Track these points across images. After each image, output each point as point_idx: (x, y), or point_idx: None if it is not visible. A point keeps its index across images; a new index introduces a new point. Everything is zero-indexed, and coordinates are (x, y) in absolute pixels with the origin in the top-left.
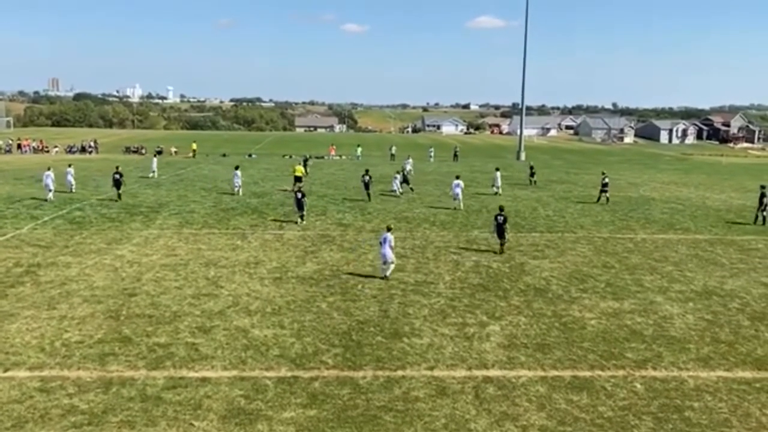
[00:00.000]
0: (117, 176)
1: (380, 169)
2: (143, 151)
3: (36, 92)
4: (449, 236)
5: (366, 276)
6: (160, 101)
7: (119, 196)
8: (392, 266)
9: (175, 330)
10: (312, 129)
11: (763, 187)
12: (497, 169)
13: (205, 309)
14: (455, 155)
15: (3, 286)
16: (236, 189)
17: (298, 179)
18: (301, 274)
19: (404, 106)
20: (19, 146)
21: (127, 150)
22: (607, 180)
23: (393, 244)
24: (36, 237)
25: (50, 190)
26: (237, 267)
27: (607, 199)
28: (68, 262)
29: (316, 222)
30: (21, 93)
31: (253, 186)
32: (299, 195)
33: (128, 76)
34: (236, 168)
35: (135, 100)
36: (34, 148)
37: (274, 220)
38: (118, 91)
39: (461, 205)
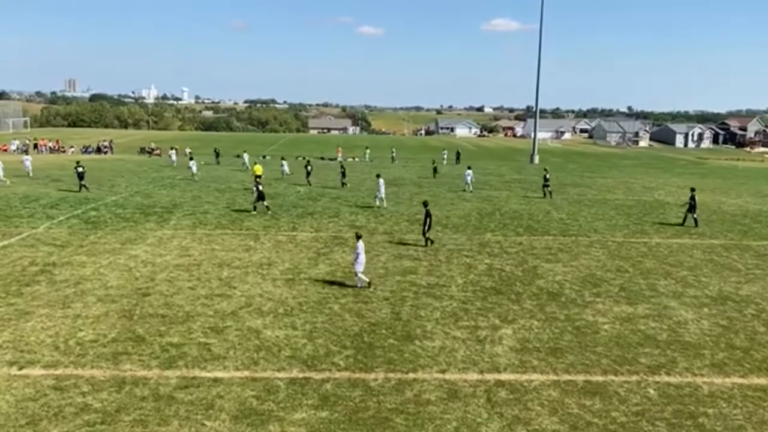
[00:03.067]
0: (80, 170)
1: (392, 171)
2: (158, 152)
3: (53, 93)
4: (462, 239)
5: (379, 278)
6: (174, 102)
7: (82, 187)
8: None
9: (188, 330)
10: (325, 131)
11: None
12: (469, 168)
13: (218, 309)
14: (457, 157)
15: (19, 285)
16: (284, 173)
17: (258, 177)
18: (313, 276)
19: (418, 109)
20: (35, 146)
21: (142, 150)
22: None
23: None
24: (52, 236)
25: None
26: (250, 268)
27: (551, 194)
28: (83, 261)
29: (329, 224)
30: (38, 93)
31: (266, 187)
32: (260, 187)
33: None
34: (282, 159)
35: (150, 101)
36: (50, 148)
37: (291, 222)
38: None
39: (470, 188)
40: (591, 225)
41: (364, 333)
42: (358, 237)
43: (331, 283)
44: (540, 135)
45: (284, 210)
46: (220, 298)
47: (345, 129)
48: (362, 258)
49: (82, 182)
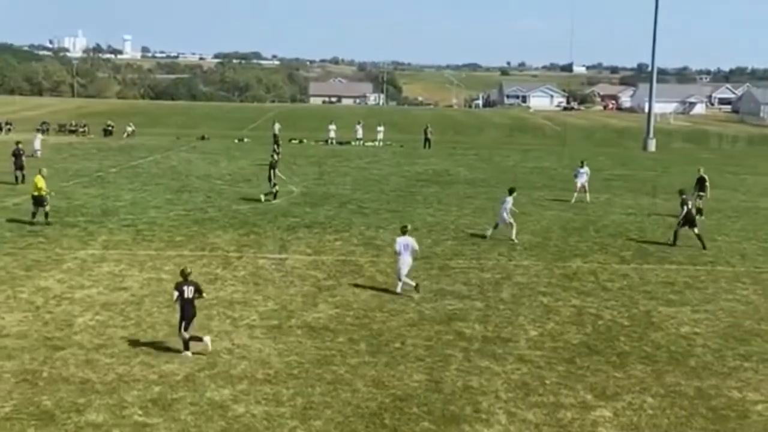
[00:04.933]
0: (19, 151)
1: (429, 162)
2: (85, 129)
3: None
4: (537, 267)
5: (409, 326)
6: (112, 56)
7: (22, 178)
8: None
9: (119, 403)
10: (334, 100)
11: None
12: (583, 164)
13: (165, 372)
14: (427, 139)
15: None
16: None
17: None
18: (310, 322)
19: (473, 67)
20: None
21: (62, 128)
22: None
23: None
24: None
25: None
26: (215, 309)
27: (700, 212)
28: None
29: (335, 242)
30: None
31: (243, 185)
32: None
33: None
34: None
35: (76, 54)
36: None
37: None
38: (51, 42)
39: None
40: (736, 248)
41: (384, 412)
42: (404, 231)
43: (337, 332)
44: (658, 108)
45: (268, 220)
46: (168, 354)
47: (364, 97)
48: (406, 258)
49: (23, 172)
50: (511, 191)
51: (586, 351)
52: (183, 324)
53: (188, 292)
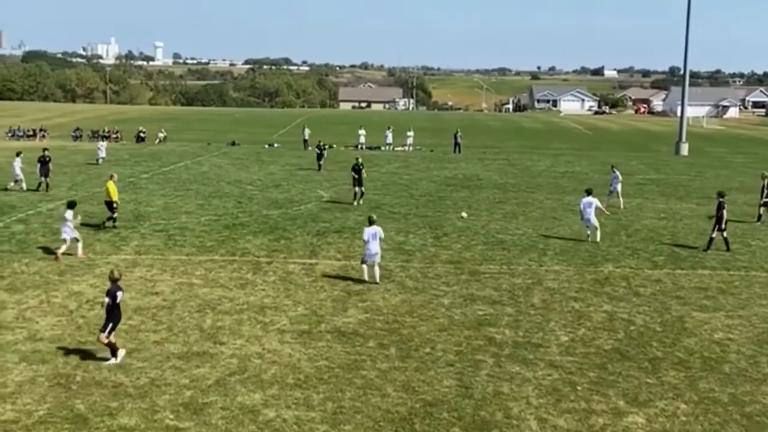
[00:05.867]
0: (44, 158)
1: (459, 167)
2: (118, 135)
3: None
4: (568, 272)
5: (440, 331)
6: (144, 63)
7: (46, 185)
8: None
9: (150, 407)
10: (364, 105)
11: None
12: (613, 168)
13: (197, 376)
14: (457, 144)
15: None
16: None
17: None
18: (340, 326)
19: (503, 72)
20: None
21: (95, 135)
22: None
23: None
24: None
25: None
26: (245, 314)
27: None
28: (2, 300)
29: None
30: None
31: (273, 190)
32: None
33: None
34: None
35: (109, 61)
36: None
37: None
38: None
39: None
40: None
41: (414, 417)
42: (371, 221)
43: (367, 337)
44: (691, 111)
45: (298, 226)
46: (200, 358)
47: (393, 102)
48: (373, 246)
49: (47, 179)
50: (589, 192)
51: (618, 357)
52: (110, 327)
53: (120, 296)
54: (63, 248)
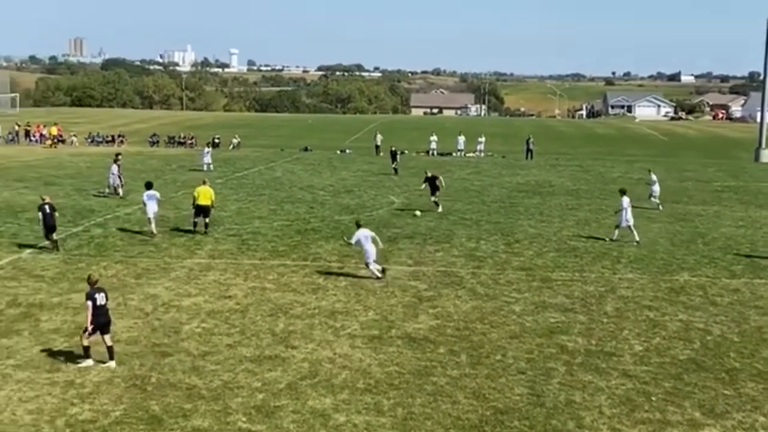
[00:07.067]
0: (47, 208)
1: (531, 173)
2: (193, 141)
3: (52, 58)
4: (642, 281)
5: (511, 338)
6: (219, 70)
7: (54, 243)
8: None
9: (223, 410)
10: (435, 111)
11: None
12: (650, 172)
13: (269, 380)
14: (529, 150)
15: None
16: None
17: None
18: (410, 332)
19: (577, 78)
20: (27, 134)
21: (171, 140)
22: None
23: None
24: (40, 265)
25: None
26: (317, 318)
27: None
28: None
29: (436, 253)
30: (33, 59)
31: (345, 196)
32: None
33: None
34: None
35: (185, 68)
36: (43, 136)
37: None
38: (162, 57)
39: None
40: None
41: (485, 425)
42: (358, 225)
43: (438, 344)
44: None
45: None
46: (271, 362)
47: (465, 108)
48: (369, 247)
49: (53, 237)
50: (623, 192)
51: (693, 367)
52: (91, 329)
53: (100, 299)
54: (154, 225)
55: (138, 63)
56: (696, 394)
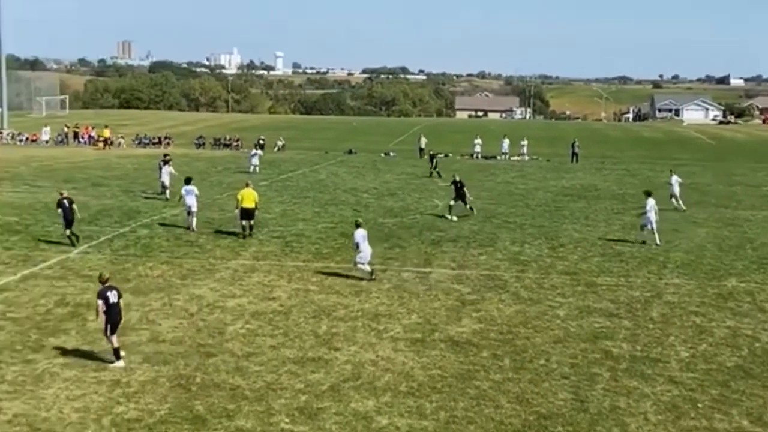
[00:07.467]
0: (66, 203)
1: (576, 177)
2: (239, 143)
3: (101, 61)
4: (689, 286)
5: (555, 343)
6: (265, 72)
7: (72, 237)
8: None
9: (266, 410)
10: (480, 114)
11: None
12: (672, 172)
13: (312, 382)
14: (575, 154)
15: (40, 334)
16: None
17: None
18: (453, 336)
19: (623, 81)
20: (75, 135)
21: (217, 142)
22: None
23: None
24: (87, 265)
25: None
26: (360, 320)
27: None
28: (127, 302)
29: (479, 257)
30: (82, 62)
31: (388, 199)
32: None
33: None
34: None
35: (231, 71)
36: (91, 138)
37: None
38: (209, 59)
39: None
40: None
41: (528, 430)
42: (357, 225)
43: (481, 347)
44: None
45: (412, 234)
46: (314, 364)
47: (510, 111)
48: (365, 247)
49: (70, 231)
50: (648, 194)
51: (741, 374)
52: (109, 328)
53: (112, 297)
54: (194, 220)
55: (185, 66)
56: (743, 401)
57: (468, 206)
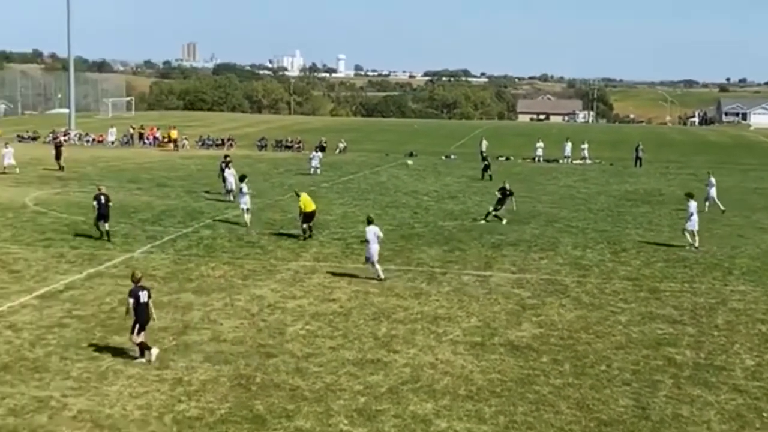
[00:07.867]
0: (102, 198)
1: (639, 180)
2: (300, 145)
3: (166, 63)
4: (755, 293)
5: (616, 348)
6: (327, 75)
7: (103, 232)
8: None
9: (326, 411)
10: (542, 117)
11: None
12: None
13: (370, 383)
14: (638, 158)
15: (104, 331)
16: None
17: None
18: (513, 340)
19: (689, 84)
20: (141, 136)
21: (279, 144)
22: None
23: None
24: (151, 264)
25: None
26: (419, 323)
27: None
28: (189, 301)
29: (540, 261)
30: (147, 64)
31: (449, 201)
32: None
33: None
34: None
35: (294, 73)
36: (156, 139)
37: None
38: (271, 62)
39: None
40: None
41: None
42: (369, 222)
43: (541, 352)
44: None
45: (473, 237)
46: (373, 366)
47: (573, 114)
48: (374, 245)
49: (106, 227)
50: (689, 196)
51: None
52: (137, 328)
53: (143, 296)
54: (248, 217)
55: (248, 68)
56: None
57: (495, 214)
